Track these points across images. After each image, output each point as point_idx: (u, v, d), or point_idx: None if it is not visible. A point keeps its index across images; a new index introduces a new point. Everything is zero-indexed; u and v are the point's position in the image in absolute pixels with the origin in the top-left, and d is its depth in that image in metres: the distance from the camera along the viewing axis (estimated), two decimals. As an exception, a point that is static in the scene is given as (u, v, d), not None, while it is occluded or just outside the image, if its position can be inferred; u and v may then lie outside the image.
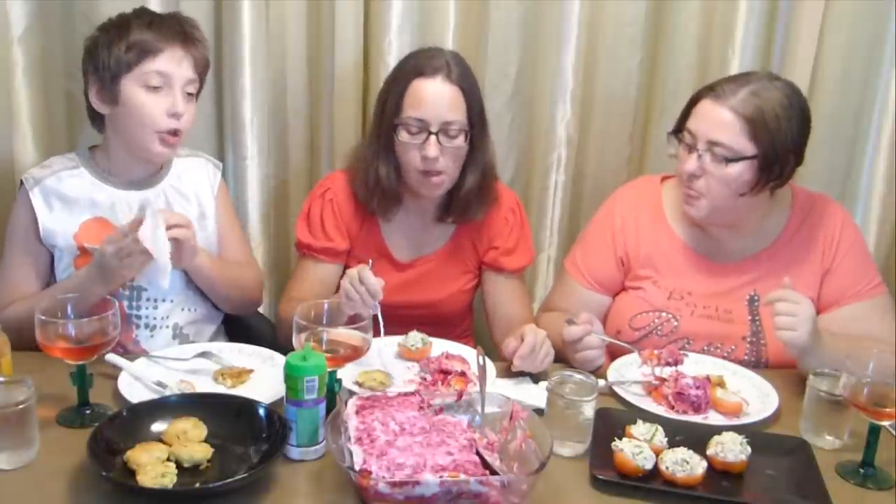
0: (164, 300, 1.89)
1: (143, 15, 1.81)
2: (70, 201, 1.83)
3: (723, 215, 1.84)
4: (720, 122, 1.74)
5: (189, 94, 1.82)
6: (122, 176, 1.88)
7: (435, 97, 1.84)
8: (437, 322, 1.99)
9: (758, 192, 1.79)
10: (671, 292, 1.91)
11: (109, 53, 1.75)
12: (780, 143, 1.74)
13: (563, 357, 1.82)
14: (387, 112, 1.89)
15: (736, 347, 1.88)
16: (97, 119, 1.87)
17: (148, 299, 1.87)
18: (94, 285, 1.70)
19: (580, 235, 2.09)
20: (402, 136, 1.87)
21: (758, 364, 1.88)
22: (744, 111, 1.72)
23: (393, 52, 2.27)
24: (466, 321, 2.17)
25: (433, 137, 1.84)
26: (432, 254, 2.04)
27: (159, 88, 1.77)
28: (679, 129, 1.84)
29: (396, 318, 1.90)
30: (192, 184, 1.96)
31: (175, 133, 1.81)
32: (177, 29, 1.79)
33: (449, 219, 2.00)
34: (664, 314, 1.90)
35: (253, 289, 2.06)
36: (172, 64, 1.77)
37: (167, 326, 1.90)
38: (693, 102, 1.82)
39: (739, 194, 1.78)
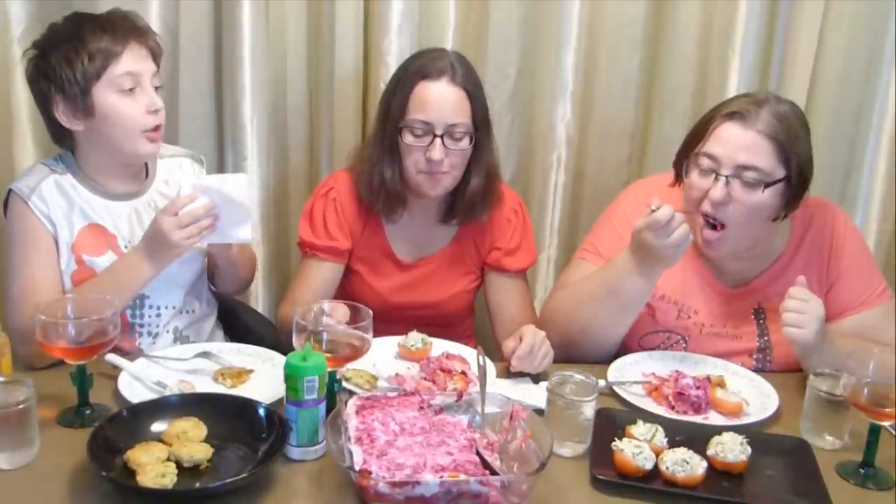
0: (166, 307, 1.87)
1: (87, 20, 1.75)
2: (66, 207, 1.79)
3: (743, 245, 1.80)
4: (749, 145, 1.68)
5: (156, 88, 1.78)
6: (108, 187, 1.83)
7: (440, 100, 1.84)
8: (439, 322, 1.99)
9: (785, 215, 1.77)
10: (680, 310, 1.89)
11: (72, 68, 1.69)
12: (804, 162, 1.72)
13: (567, 351, 1.82)
14: (391, 114, 1.89)
15: (743, 363, 1.86)
16: (65, 138, 1.80)
17: (150, 307, 1.86)
18: (144, 264, 1.70)
19: (594, 227, 2.01)
20: (407, 138, 1.87)
21: (764, 372, 1.86)
22: (772, 133, 1.68)
23: (393, 52, 2.28)
24: (468, 321, 2.17)
25: (438, 140, 1.84)
26: (435, 254, 2.04)
27: (132, 90, 1.73)
28: (687, 153, 1.78)
29: (398, 319, 1.91)
30: (177, 186, 1.90)
31: (157, 128, 1.78)
32: (127, 25, 1.75)
33: (453, 220, 2.00)
34: (673, 335, 1.89)
35: (254, 264, 2.10)
36: (137, 62, 1.73)
37: (168, 331, 1.89)
38: (706, 126, 1.75)
39: (771, 220, 1.76)
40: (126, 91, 1.72)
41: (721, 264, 1.88)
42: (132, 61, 1.72)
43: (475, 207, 1.97)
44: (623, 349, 1.90)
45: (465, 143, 1.87)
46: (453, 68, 1.86)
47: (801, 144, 1.72)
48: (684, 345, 1.88)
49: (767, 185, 1.70)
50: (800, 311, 1.64)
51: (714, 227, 1.76)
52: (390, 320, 1.86)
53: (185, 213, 1.65)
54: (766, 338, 1.87)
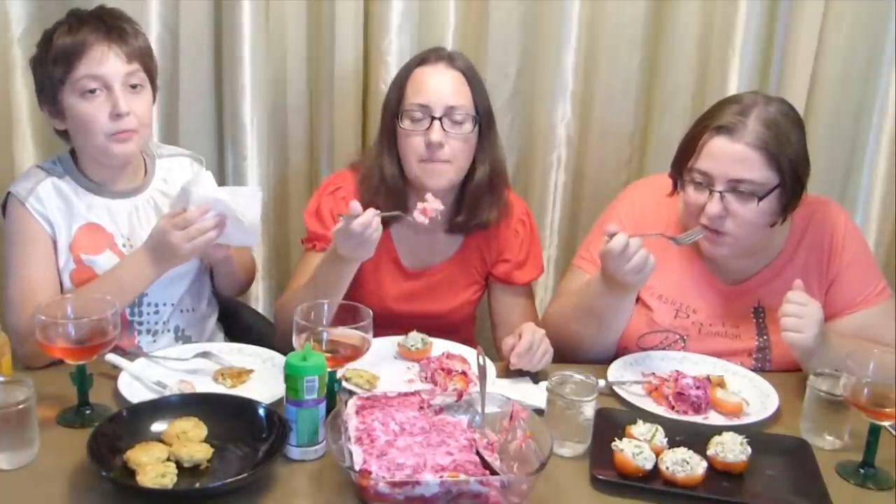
0: (164, 304, 1.87)
1: (64, 22, 1.72)
2: (63, 208, 1.79)
3: (745, 249, 1.81)
4: (739, 159, 1.68)
5: (134, 87, 1.73)
6: (106, 186, 1.83)
7: (437, 81, 1.82)
8: (441, 329, 1.93)
9: (785, 217, 1.78)
10: (677, 310, 1.89)
11: (43, 70, 1.71)
12: (797, 162, 1.72)
13: (565, 354, 1.82)
14: (390, 105, 1.87)
15: (742, 363, 1.86)
16: (63, 134, 1.81)
17: (149, 304, 1.85)
18: (148, 269, 1.71)
19: (591, 230, 2.04)
20: (405, 124, 1.84)
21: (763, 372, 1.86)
22: (760, 144, 1.68)
23: (393, 52, 2.28)
24: (469, 328, 2.13)
25: (437, 122, 1.81)
26: (441, 264, 2.00)
27: (96, 92, 1.69)
28: (680, 168, 1.79)
29: (400, 326, 1.87)
30: (177, 185, 1.87)
31: (126, 131, 1.72)
32: (96, 25, 1.70)
33: (458, 217, 1.95)
34: (672, 334, 1.89)
35: (252, 267, 2.10)
36: (100, 64, 1.68)
37: (169, 330, 1.89)
38: (695, 141, 1.74)
39: (770, 225, 1.76)
40: (89, 93, 1.69)
41: (720, 262, 1.88)
42: (94, 63, 1.68)
43: (480, 204, 1.93)
44: (621, 349, 1.89)
45: (468, 128, 1.84)
46: (451, 55, 1.86)
47: (793, 145, 1.71)
48: (683, 344, 1.88)
49: (762, 198, 1.70)
50: (798, 315, 1.64)
51: (714, 232, 1.76)
52: (392, 326, 1.85)
53: (195, 229, 1.65)
54: (765, 337, 1.87)
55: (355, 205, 1.64)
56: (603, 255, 1.68)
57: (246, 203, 1.70)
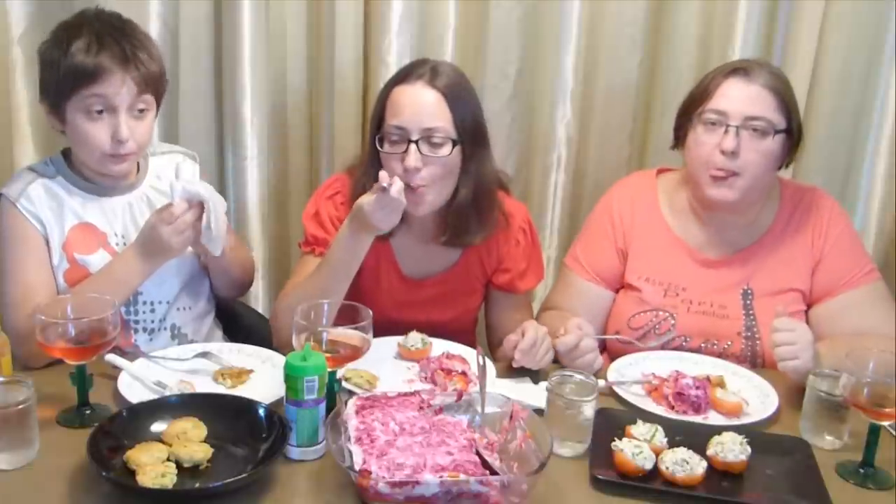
0: (160, 303, 1.87)
1: (84, 36, 1.68)
2: (56, 207, 1.79)
3: (750, 194, 1.84)
4: (756, 98, 1.79)
5: (140, 111, 1.74)
6: (100, 184, 1.83)
7: (414, 103, 1.76)
8: (442, 337, 1.90)
9: (786, 165, 1.89)
10: (666, 289, 1.92)
11: (52, 74, 1.70)
12: (797, 117, 1.85)
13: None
14: (372, 125, 1.85)
15: (732, 343, 1.88)
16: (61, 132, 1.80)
17: (144, 303, 1.85)
18: (140, 265, 1.71)
19: (580, 232, 2.10)
20: (385, 147, 1.79)
21: (754, 358, 1.88)
22: (773, 87, 1.80)
23: (393, 52, 2.28)
24: (470, 333, 2.09)
25: (413, 146, 1.75)
26: (441, 274, 1.97)
27: (101, 113, 1.70)
28: (689, 114, 1.85)
29: (402, 334, 1.86)
30: (168, 181, 1.81)
31: (123, 155, 1.74)
32: (116, 50, 1.69)
33: (442, 237, 1.90)
34: (661, 312, 1.91)
35: (251, 267, 2.09)
36: (113, 88, 1.68)
37: (165, 328, 1.89)
38: (706, 89, 1.83)
39: (776, 168, 1.86)
40: (95, 113, 1.70)
41: (709, 236, 1.92)
42: (107, 86, 1.68)
43: (466, 226, 1.87)
44: (612, 332, 1.94)
45: (446, 151, 1.77)
46: (433, 72, 1.78)
47: (795, 100, 1.85)
48: (672, 321, 1.90)
49: (776, 133, 1.79)
50: (790, 342, 1.64)
51: (724, 178, 1.81)
52: (392, 334, 1.84)
53: (181, 222, 1.66)
54: (751, 316, 1.88)
55: (384, 174, 1.66)
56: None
57: (217, 204, 1.70)
